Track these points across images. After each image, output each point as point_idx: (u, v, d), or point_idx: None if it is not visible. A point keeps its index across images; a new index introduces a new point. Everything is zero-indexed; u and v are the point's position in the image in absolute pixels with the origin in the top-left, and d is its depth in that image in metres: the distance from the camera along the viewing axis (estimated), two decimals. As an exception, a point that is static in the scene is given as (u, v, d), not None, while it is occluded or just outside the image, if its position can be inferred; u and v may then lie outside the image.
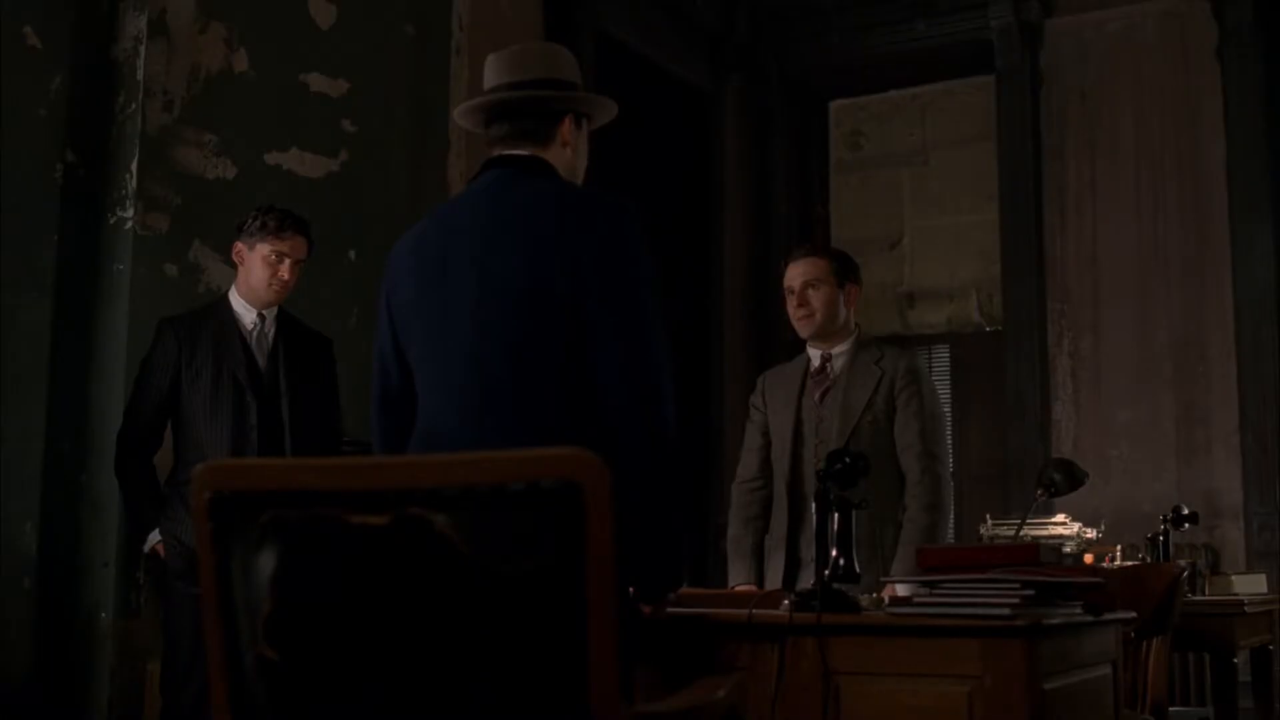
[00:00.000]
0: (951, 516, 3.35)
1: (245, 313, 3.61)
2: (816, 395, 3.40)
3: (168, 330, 3.58)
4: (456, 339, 2.18)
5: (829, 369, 3.41)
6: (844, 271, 3.40)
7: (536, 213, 2.19)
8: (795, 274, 3.40)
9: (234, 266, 3.66)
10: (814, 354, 3.45)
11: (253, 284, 3.58)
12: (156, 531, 3.53)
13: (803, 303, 3.37)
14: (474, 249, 2.20)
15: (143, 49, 4.10)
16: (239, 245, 3.59)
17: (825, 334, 3.40)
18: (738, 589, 3.40)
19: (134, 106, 4.09)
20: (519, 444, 1.54)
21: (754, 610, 2.27)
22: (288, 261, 3.56)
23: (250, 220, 3.57)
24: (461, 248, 2.21)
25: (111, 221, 4.06)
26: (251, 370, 3.57)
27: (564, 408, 2.13)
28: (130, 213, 4.04)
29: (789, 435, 3.40)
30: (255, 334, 3.61)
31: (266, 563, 1.46)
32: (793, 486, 3.36)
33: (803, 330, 3.42)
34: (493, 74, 2.33)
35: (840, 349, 3.41)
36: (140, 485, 3.59)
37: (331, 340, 3.81)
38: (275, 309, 3.65)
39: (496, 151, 2.31)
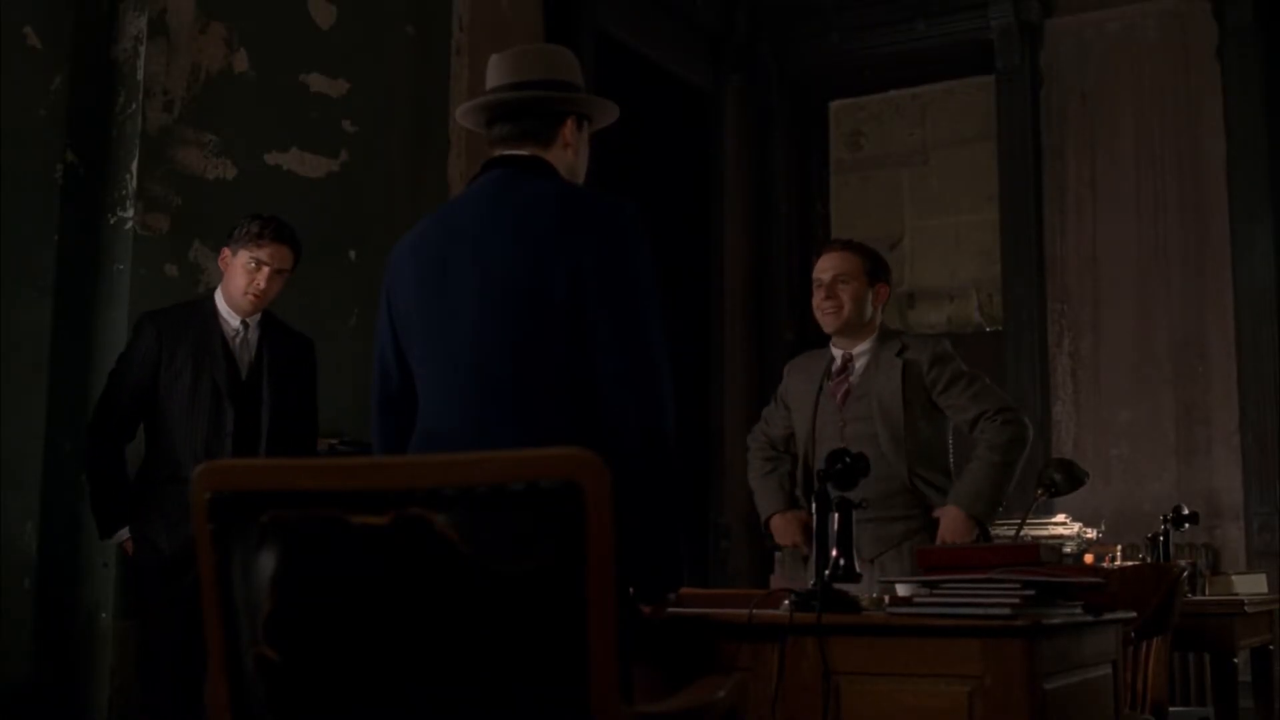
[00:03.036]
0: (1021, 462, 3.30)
1: (230, 317, 3.58)
2: (838, 396, 3.38)
3: (149, 326, 3.56)
4: (457, 339, 2.18)
5: (851, 369, 3.39)
6: (876, 270, 3.37)
7: (537, 213, 2.19)
8: (826, 267, 3.37)
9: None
10: (837, 353, 3.43)
11: (230, 290, 3.56)
12: (126, 529, 3.52)
13: (831, 295, 3.34)
14: (474, 249, 2.20)
15: (143, 49, 4.10)
16: (225, 250, 3.58)
17: (850, 331, 3.37)
18: (774, 519, 3.38)
19: (134, 106, 4.09)
20: (519, 444, 1.55)
21: (754, 610, 2.27)
22: (266, 270, 3.52)
23: (239, 226, 3.56)
24: (462, 248, 2.21)
25: (111, 221, 4.06)
26: (232, 376, 3.54)
27: (564, 408, 2.13)
28: (130, 213, 4.04)
29: (806, 439, 3.39)
30: (238, 339, 3.59)
31: (266, 563, 1.46)
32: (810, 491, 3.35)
33: (828, 324, 3.39)
34: (495, 74, 2.33)
35: (862, 348, 3.38)
36: (109, 479, 3.56)
37: (314, 342, 3.79)
38: (259, 315, 3.62)
39: (497, 151, 2.31)
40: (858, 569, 2.36)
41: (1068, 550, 4.76)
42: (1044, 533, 4.92)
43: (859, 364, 3.37)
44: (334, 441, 4.14)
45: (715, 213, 7.46)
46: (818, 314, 3.41)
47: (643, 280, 2.17)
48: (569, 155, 2.32)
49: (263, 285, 3.53)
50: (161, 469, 3.47)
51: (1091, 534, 4.95)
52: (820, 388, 3.41)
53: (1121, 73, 7.14)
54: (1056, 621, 2.17)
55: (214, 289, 4.15)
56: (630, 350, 2.12)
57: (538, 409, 2.13)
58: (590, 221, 2.16)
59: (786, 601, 2.28)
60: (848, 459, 2.36)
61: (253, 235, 3.51)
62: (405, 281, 2.28)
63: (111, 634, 3.88)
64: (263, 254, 3.51)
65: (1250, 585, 4.48)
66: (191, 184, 4.20)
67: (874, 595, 2.41)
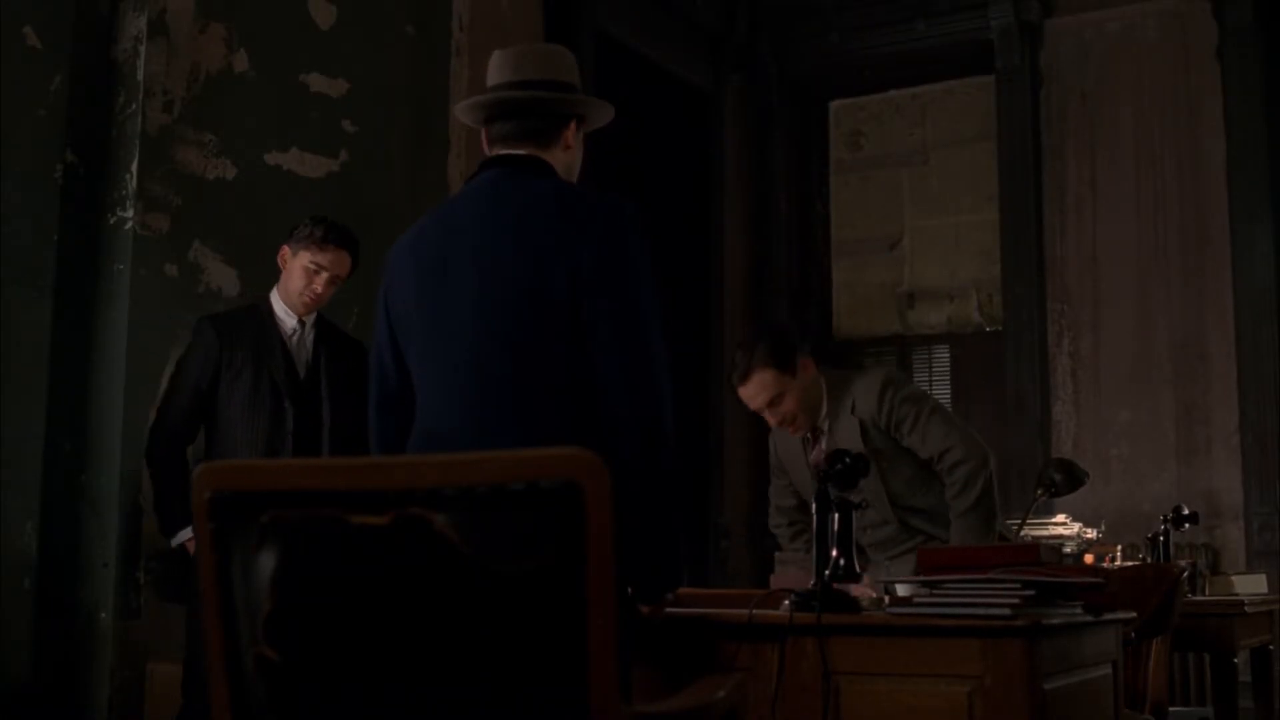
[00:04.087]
0: (993, 499, 3.30)
1: (286, 317, 3.65)
2: (824, 463, 3.41)
3: (209, 327, 3.62)
4: (456, 339, 2.18)
5: (822, 433, 3.42)
6: (790, 363, 3.30)
7: (536, 212, 2.19)
8: (751, 397, 3.32)
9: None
10: None
11: (289, 289, 3.62)
12: (189, 529, 3.54)
13: (781, 419, 3.34)
14: (474, 248, 2.20)
15: (143, 49, 4.10)
16: (285, 248, 3.63)
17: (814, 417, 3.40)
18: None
19: (134, 106, 4.09)
20: (519, 444, 1.54)
21: (754, 610, 2.27)
22: (324, 275, 3.58)
23: (302, 226, 3.61)
24: (461, 247, 2.21)
25: (111, 221, 4.06)
26: (290, 374, 3.59)
27: (564, 408, 2.13)
28: (130, 213, 4.03)
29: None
30: (295, 339, 3.65)
31: (266, 563, 1.46)
32: None
33: (797, 435, 3.41)
34: (497, 72, 2.33)
35: (823, 412, 3.40)
36: (173, 480, 3.60)
37: (366, 348, 3.83)
38: (315, 315, 3.67)
39: (496, 150, 2.31)
40: (857, 568, 2.37)
41: (1068, 550, 4.75)
42: (1044, 533, 4.91)
43: (825, 427, 3.40)
44: (334, 441, 4.15)
45: (715, 213, 7.46)
46: (780, 429, 3.43)
47: (641, 280, 2.17)
48: (567, 156, 2.33)
49: (320, 290, 3.59)
50: None
51: (1091, 534, 4.95)
52: (807, 455, 3.45)
53: (1121, 73, 7.14)
54: (1056, 621, 2.17)
55: (216, 288, 4.15)
56: (630, 349, 2.12)
57: (538, 409, 2.13)
58: (590, 221, 2.16)
59: (786, 601, 2.28)
60: (848, 459, 2.36)
61: (316, 239, 3.56)
62: (404, 281, 2.28)
63: (111, 634, 3.88)
64: (323, 259, 3.57)
65: (1250, 585, 4.48)
66: (191, 184, 4.20)
67: (873, 595, 2.41)
